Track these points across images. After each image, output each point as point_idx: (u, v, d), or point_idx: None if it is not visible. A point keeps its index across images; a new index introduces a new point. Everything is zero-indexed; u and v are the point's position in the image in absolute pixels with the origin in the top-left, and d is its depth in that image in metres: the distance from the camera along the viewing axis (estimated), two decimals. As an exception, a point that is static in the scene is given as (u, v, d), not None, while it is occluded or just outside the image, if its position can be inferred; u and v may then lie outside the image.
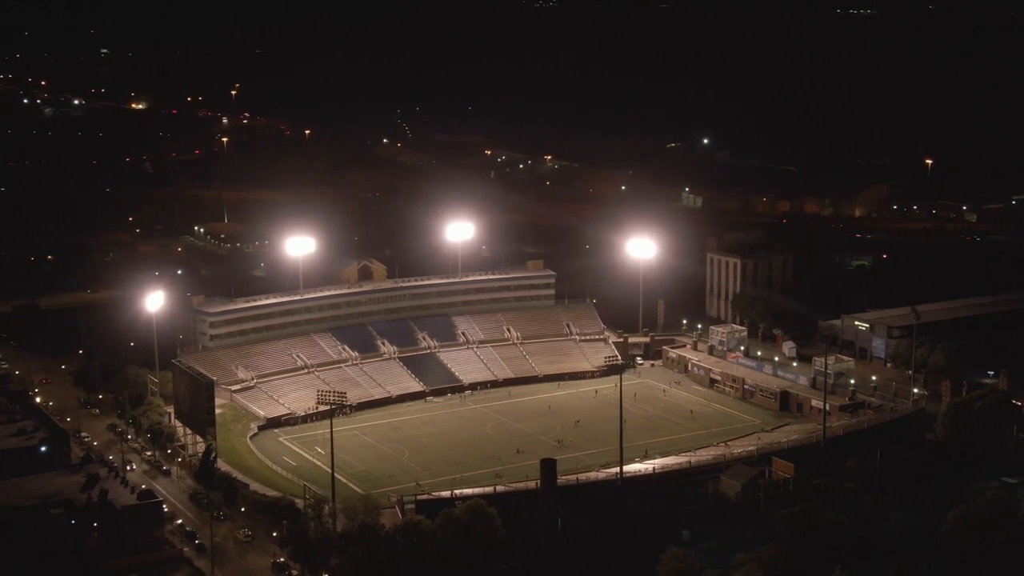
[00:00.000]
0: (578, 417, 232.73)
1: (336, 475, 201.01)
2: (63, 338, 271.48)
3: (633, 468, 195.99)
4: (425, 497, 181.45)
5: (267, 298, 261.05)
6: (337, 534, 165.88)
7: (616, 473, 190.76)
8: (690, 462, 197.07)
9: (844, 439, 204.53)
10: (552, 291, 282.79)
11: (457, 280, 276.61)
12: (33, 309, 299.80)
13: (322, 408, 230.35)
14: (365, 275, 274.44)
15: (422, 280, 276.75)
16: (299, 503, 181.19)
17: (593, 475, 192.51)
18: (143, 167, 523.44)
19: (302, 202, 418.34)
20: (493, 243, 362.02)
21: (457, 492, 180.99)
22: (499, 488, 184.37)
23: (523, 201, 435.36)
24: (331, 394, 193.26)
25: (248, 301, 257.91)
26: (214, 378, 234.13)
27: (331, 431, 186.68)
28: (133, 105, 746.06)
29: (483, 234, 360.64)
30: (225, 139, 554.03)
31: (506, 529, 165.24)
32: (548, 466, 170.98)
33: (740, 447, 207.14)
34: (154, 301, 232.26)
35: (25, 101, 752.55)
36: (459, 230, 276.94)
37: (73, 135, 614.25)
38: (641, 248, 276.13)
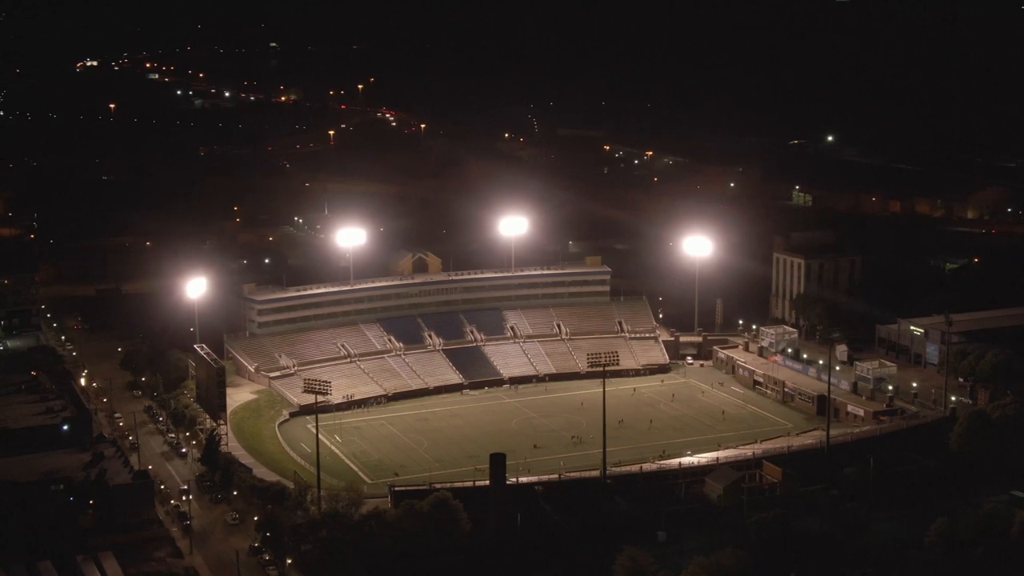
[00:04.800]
0: (620, 416, 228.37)
1: (348, 463, 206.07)
2: (133, 322, 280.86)
3: (632, 468, 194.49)
4: (403, 487, 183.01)
5: (316, 287, 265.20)
6: (307, 520, 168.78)
7: (610, 471, 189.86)
8: (680, 463, 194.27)
9: (850, 445, 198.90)
10: (607, 288, 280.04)
11: (509, 275, 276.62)
12: (114, 293, 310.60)
13: (356, 397, 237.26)
14: (420, 268, 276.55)
15: (474, 274, 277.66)
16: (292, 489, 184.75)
17: (577, 474, 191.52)
18: (265, 158, 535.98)
19: (404, 196, 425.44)
20: (581, 237, 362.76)
21: (437, 484, 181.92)
22: (478, 482, 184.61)
23: (572, 197, 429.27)
24: (316, 383, 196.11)
25: (298, 290, 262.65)
26: (253, 365, 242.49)
27: (316, 422, 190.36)
28: (282, 98, 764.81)
29: (571, 229, 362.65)
30: (332, 132, 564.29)
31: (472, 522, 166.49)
32: (497, 461, 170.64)
33: (749, 450, 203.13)
34: (195, 288, 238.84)
35: (178, 92, 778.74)
36: (512, 224, 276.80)
37: (214, 126, 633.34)
38: (697, 246, 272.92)
